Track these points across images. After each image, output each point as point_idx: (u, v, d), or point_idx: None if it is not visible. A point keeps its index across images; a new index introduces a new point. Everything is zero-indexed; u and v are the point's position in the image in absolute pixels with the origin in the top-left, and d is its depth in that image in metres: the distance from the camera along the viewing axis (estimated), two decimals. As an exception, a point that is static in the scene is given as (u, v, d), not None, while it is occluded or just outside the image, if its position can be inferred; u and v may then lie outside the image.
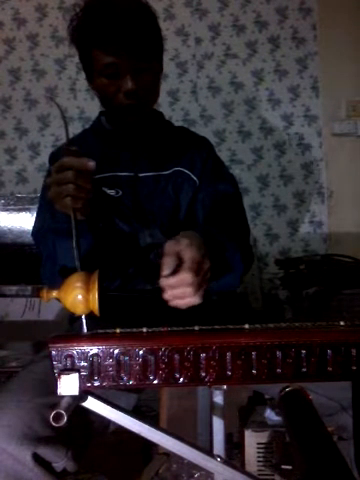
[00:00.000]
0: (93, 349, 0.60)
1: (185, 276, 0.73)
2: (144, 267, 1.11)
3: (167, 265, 0.74)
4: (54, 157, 1.15)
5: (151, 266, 1.12)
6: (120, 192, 1.13)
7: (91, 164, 0.81)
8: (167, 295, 0.75)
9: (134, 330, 0.64)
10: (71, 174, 0.79)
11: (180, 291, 0.74)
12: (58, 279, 0.85)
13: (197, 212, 1.16)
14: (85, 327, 0.65)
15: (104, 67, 1.05)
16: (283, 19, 2.39)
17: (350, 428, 0.75)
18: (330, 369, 0.60)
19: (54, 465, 0.80)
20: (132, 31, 1.03)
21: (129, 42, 1.03)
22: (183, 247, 0.76)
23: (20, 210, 2.06)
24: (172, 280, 0.74)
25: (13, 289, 1.95)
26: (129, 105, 1.07)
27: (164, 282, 0.74)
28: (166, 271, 0.73)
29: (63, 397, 0.59)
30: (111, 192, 1.13)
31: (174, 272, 0.74)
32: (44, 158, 2.33)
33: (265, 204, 2.37)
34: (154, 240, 1.12)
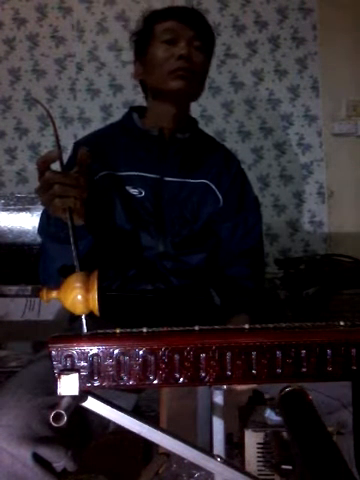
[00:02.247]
0: (93, 349, 0.60)
1: None
2: (146, 269, 1.11)
3: None
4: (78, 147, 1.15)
5: (153, 269, 1.12)
6: (143, 192, 1.12)
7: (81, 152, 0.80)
8: None
9: (134, 330, 0.63)
10: (50, 175, 0.77)
11: None
12: (52, 281, 0.85)
13: (224, 238, 1.19)
14: (85, 327, 0.65)
15: (163, 32, 1.14)
16: (283, 19, 2.39)
17: (350, 424, 0.75)
18: (330, 369, 0.60)
19: (54, 465, 0.80)
20: (194, 13, 1.19)
21: (190, 16, 1.17)
22: None
23: (20, 210, 2.06)
24: None
25: (13, 289, 1.95)
26: (178, 68, 1.11)
27: None
28: None
29: (63, 397, 0.59)
30: (134, 191, 1.12)
31: None
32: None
33: (265, 204, 2.37)
34: (165, 249, 1.11)
